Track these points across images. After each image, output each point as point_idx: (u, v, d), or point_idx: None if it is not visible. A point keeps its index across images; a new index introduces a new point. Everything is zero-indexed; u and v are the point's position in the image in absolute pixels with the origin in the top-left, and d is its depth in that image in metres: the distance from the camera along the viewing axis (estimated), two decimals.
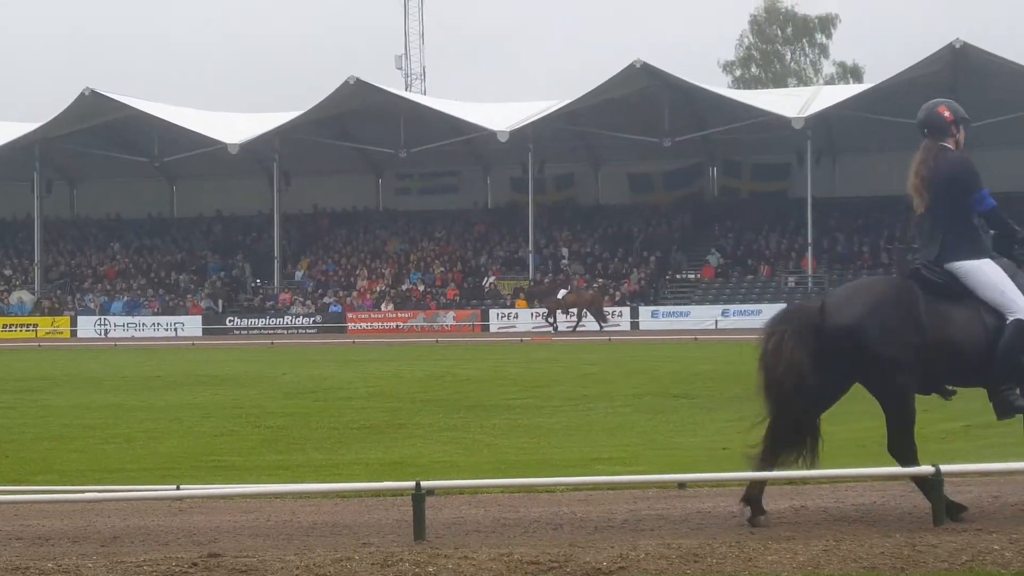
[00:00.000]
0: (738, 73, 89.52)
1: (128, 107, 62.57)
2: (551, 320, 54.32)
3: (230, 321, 61.96)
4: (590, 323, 53.76)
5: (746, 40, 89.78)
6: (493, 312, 58.97)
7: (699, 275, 61.00)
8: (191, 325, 61.49)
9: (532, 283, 59.64)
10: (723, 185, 67.32)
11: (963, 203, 8.88)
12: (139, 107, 62.82)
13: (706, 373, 25.94)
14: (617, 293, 59.26)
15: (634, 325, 56.57)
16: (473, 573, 7.45)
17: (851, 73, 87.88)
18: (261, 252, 67.12)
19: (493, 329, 57.58)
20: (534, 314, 56.19)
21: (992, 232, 9.12)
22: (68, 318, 63.56)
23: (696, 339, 43.39)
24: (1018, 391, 8.75)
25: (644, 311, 57.66)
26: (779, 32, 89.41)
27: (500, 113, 62.54)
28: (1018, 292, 8.78)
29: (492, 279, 62.03)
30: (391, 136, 61.60)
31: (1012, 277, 8.85)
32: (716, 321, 55.08)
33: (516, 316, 58.04)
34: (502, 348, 40.38)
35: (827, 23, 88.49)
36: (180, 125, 62.31)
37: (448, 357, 34.36)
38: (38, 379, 27.99)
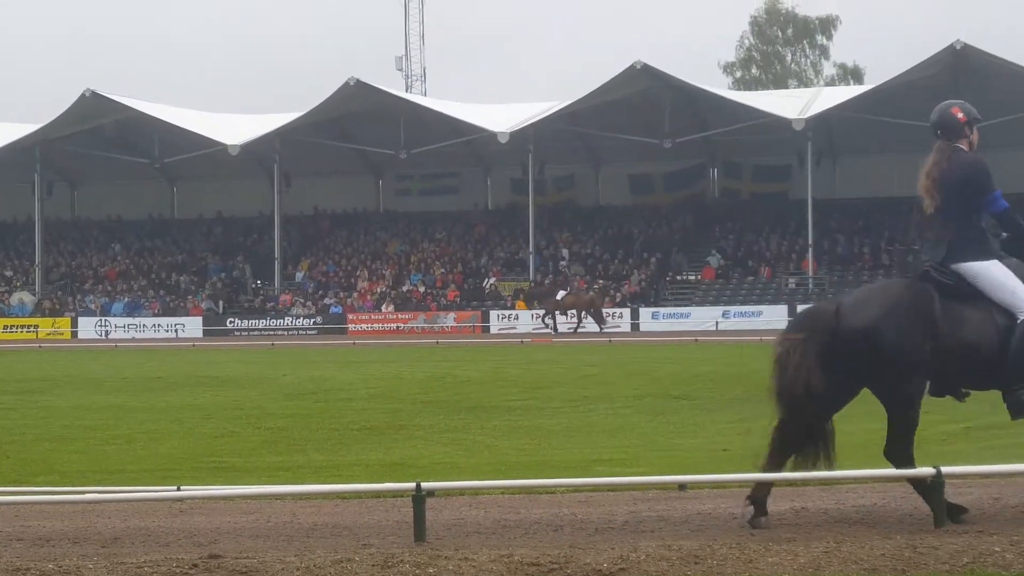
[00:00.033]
0: (738, 74, 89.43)
1: (129, 108, 62.51)
2: (548, 322, 54.25)
3: (231, 322, 61.93)
4: (590, 324, 53.65)
5: (746, 41, 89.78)
6: (494, 313, 58.90)
7: (699, 276, 60.94)
8: (192, 326, 61.41)
9: (533, 284, 59.60)
10: (724, 186, 67.23)
11: (975, 204, 8.89)
12: (140, 108, 62.78)
13: (706, 374, 25.93)
14: (617, 294, 59.18)
15: (634, 326, 56.50)
16: (474, 575, 7.43)
17: (852, 74, 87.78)
18: (262, 253, 67.07)
19: (494, 330, 57.48)
20: (534, 315, 56.11)
21: (1004, 235, 9.13)
22: (69, 319, 63.47)
23: (696, 340, 43.34)
24: None
25: (644, 312, 57.59)
26: (780, 33, 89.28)
27: (500, 114, 62.49)
28: None
29: (492, 280, 61.95)
30: (391, 137, 61.52)
31: (1022, 279, 8.85)
32: (717, 322, 55.05)
33: (517, 317, 57.96)
34: (503, 349, 40.36)
35: (828, 24, 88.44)
36: (181, 126, 62.25)
37: (448, 358, 34.36)
38: (39, 380, 27.99)
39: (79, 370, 31.96)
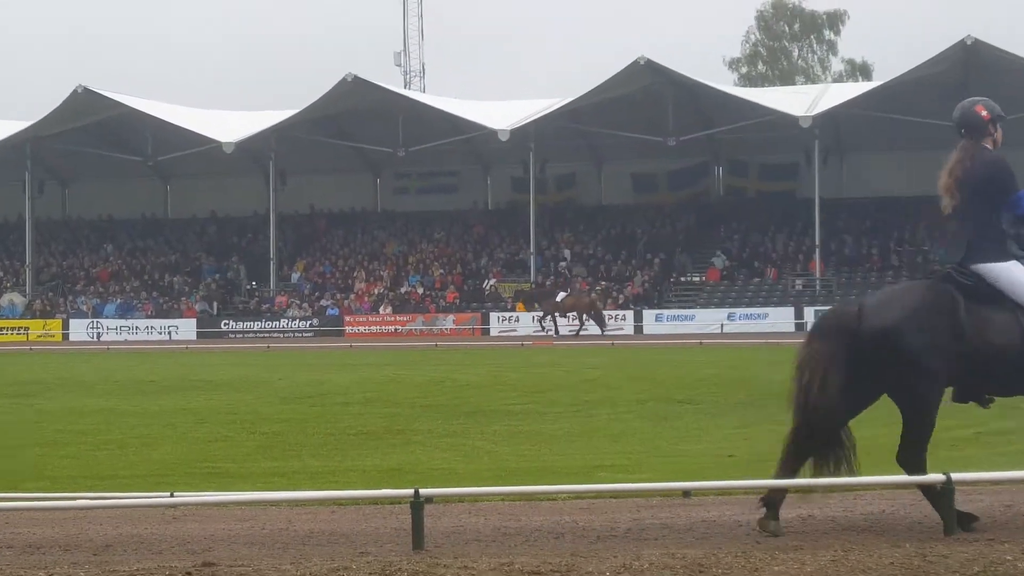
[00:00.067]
0: (744, 70, 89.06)
1: (121, 105, 61.88)
2: (546, 324, 53.59)
3: (225, 324, 61.35)
4: (591, 326, 53.10)
5: (752, 37, 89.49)
6: (493, 315, 58.27)
7: (704, 277, 60.34)
8: (185, 328, 60.83)
9: (533, 285, 58.75)
10: (729, 185, 66.49)
11: (998, 204, 8.80)
12: (132, 105, 62.12)
13: (711, 378, 25.80)
14: (620, 296, 58.54)
15: (637, 329, 55.94)
16: None
17: (860, 70, 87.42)
18: (257, 253, 66.38)
19: (494, 333, 56.94)
20: (535, 317, 55.36)
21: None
22: (60, 321, 62.98)
23: (701, 343, 43.08)
24: None
25: (648, 314, 56.93)
26: (786, 28, 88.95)
27: (500, 111, 61.92)
28: None
29: (492, 281, 61.31)
30: (389, 135, 60.84)
31: None
32: (721, 325, 54.36)
33: (517, 319, 57.19)
34: (503, 352, 40.26)
35: (835, 19, 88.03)
36: (174, 123, 61.64)
37: (447, 361, 34.35)
38: (29, 383, 27.86)
39: (70, 373, 31.97)
